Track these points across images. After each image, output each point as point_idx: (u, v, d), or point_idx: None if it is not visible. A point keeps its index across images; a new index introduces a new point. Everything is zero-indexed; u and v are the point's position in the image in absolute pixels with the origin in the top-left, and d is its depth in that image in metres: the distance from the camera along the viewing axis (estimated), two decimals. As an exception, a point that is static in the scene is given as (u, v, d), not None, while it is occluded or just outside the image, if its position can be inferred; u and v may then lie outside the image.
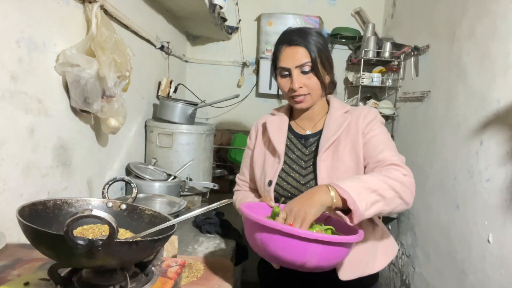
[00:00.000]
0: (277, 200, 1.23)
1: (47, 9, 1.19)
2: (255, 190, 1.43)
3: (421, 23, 2.46)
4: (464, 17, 1.93)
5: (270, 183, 1.26)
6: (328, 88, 1.31)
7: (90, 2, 1.37)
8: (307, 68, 1.19)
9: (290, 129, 1.34)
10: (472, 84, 1.83)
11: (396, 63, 2.71)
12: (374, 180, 1.03)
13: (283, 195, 1.25)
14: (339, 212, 1.05)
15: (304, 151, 1.29)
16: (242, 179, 1.48)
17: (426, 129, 2.29)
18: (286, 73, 1.21)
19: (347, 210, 1.00)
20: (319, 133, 1.28)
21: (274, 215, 1.06)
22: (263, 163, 1.33)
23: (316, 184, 1.20)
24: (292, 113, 1.37)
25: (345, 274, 1.17)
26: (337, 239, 0.93)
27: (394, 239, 1.37)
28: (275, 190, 1.25)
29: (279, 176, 1.26)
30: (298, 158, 1.28)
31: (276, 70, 1.25)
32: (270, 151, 1.32)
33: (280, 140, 1.29)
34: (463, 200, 1.84)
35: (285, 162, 1.28)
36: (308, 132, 1.31)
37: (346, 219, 1.01)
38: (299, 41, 1.18)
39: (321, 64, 1.21)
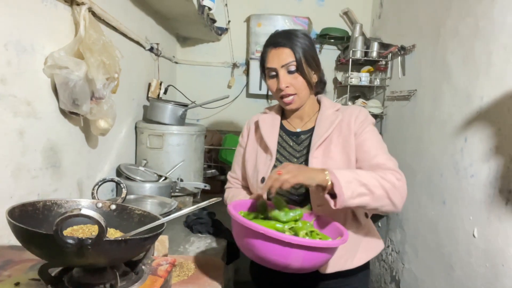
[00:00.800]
0: (269, 198, 1.24)
1: (35, 12, 1.19)
2: (246, 187, 1.46)
3: (407, 23, 2.50)
4: (448, 16, 1.97)
5: (263, 180, 1.28)
6: (316, 87, 1.34)
7: (78, 5, 1.37)
8: (292, 68, 1.23)
9: (282, 127, 1.38)
10: (457, 82, 1.87)
11: (383, 62, 2.75)
12: (368, 176, 1.10)
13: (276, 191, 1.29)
14: (327, 196, 1.09)
15: (296, 147, 1.32)
16: (233, 176, 1.50)
17: (413, 127, 2.33)
18: (273, 73, 1.26)
19: (334, 196, 1.08)
20: (311, 130, 1.32)
21: (260, 208, 1.13)
22: (255, 161, 1.35)
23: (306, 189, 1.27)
24: (283, 112, 1.42)
25: (324, 268, 1.23)
26: (320, 244, 0.95)
27: (381, 237, 1.40)
28: None
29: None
30: (290, 155, 1.31)
31: (265, 71, 1.31)
32: (262, 148, 1.35)
33: (272, 137, 1.32)
34: (449, 196, 1.88)
35: (277, 159, 1.31)
36: (299, 130, 1.35)
37: (331, 201, 1.08)
38: (283, 43, 1.23)
39: (306, 64, 1.25)
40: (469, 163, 1.73)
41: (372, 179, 1.10)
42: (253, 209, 1.19)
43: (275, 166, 1.28)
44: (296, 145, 1.33)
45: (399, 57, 2.54)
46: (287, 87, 1.24)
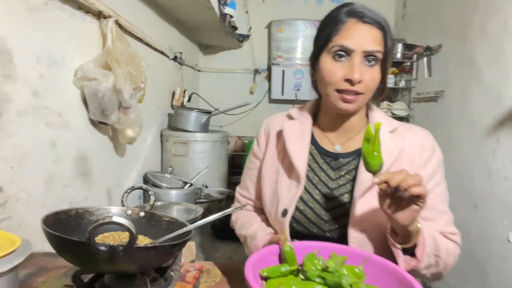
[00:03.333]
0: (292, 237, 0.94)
1: (65, 26, 1.24)
2: (260, 210, 1.10)
3: (432, 23, 2.45)
4: (475, 15, 1.92)
5: (285, 212, 0.94)
6: (382, 93, 0.97)
7: (105, 18, 1.42)
8: (373, 58, 0.86)
9: (313, 140, 1.00)
10: (486, 82, 1.81)
11: (408, 63, 2.70)
12: (443, 248, 0.86)
13: (300, 231, 0.95)
14: (396, 250, 0.83)
15: (330, 174, 0.96)
16: (245, 195, 1.14)
17: (442, 129, 2.27)
18: (344, 54, 0.86)
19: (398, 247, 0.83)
20: (355, 154, 0.96)
21: (288, 258, 0.78)
22: (275, 183, 1.00)
23: (344, 224, 0.91)
24: (317, 117, 1.03)
25: None
26: None
27: None
28: (290, 223, 0.95)
29: (296, 207, 0.95)
30: (322, 183, 0.96)
31: (324, 48, 0.89)
32: (286, 168, 0.98)
33: (301, 156, 0.95)
34: (481, 199, 1.81)
35: (304, 187, 0.96)
36: (338, 149, 0.98)
37: (400, 257, 0.82)
38: (374, 20, 0.86)
39: (390, 60, 0.91)
40: (502, 165, 1.66)
41: (445, 253, 0.86)
42: (278, 259, 0.82)
43: (301, 199, 0.94)
44: (330, 171, 0.96)
45: (425, 57, 2.49)
46: (359, 82, 0.85)
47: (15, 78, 1.01)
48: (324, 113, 1.00)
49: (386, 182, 0.74)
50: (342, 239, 0.90)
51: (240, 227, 1.08)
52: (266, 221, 1.05)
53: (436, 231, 0.89)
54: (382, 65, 0.88)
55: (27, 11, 1.05)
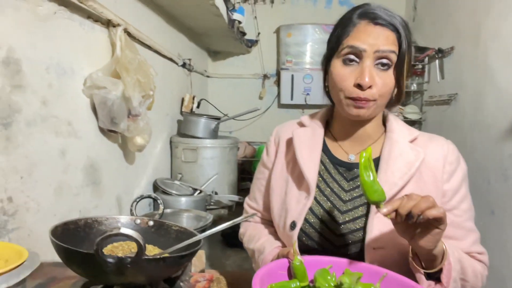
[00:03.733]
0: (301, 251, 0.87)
1: (74, 36, 1.25)
2: (269, 222, 1.05)
3: (444, 25, 2.41)
4: (488, 16, 1.88)
5: (293, 225, 0.88)
6: (398, 100, 0.90)
7: (114, 26, 1.42)
8: (386, 61, 0.79)
9: (325, 149, 0.94)
10: (501, 84, 1.76)
11: (420, 66, 2.66)
12: (470, 271, 0.81)
13: (310, 246, 0.89)
14: (417, 275, 0.77)
15: (343, 185, 0.90)
16: (253, 206, 1.08)
17: (455, 133, 2.23)
18: (353, 57, 0.81)
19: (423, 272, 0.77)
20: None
21: (298, 273, 0.74)
22: (284, 194, 0.94)
23: (358, 239, 0.84)
24: (329, 125, 0.97)
25: None
26: None
27: None
28: (298, 237, 0.88)
29: (305, 218, 0.89)
30: (334, 195, 0.89)
31: (335, 51, 0.84)
32: (295, 178, 0.93)
33: (311, 165, 0.90)
34: (498, 205, 1.76)
35: (315, 198, 0.89)
36: (352, 158, 0.91)
37: (424, 283, 0.76)
38: (387, 21, 0.80)
39: (406, 65, 0.83)
40: (520, 169, 1.62)
41: (472, 276, 0.81)
42: (287, 274, 0.79)
43: (310, 210, 0.88)
44: (344, 182, 0.90)
45: (437, 60, 2.45)
46: (369, 87, 0.79)
47: (24, 88, 1.02)
48: (337, 120, 0.94)
49: (395, 211, 0.67)
50: (356, 256, 0.83)
51: (248, 241, 1.03)
52: (275, 233, 0.99)
53: (462, 250, 0.82)
54: (397, 69, 0.81)
55: (36, 21, 1.06)
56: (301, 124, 0.98)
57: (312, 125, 0.96)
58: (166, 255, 0.79)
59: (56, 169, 1.17)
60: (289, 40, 3.09)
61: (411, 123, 2.76)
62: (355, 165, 0.89)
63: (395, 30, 0.80)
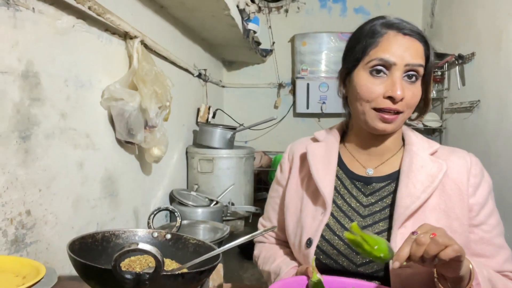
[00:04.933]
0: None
1: (92, 49, 1.25)
2: (284, 242, 1.01)
3: (463, 31, 2.36)
4: (510, 20, 1.83)
5: (309, 242, 0.85)
6: (425, 111, 0.88)
7: (131, 38, 1.43)
8: (414, 73, 0.78)
9: (340, 163, 0.91)
10: (527, 90, 1.70)
11: (439, 73, 2.61)
12: None
13: (327, 264, 0.84)
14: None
15: (362, 200, 0.86)
16: (268, 226, 1.04)
17: (477, 141, 2.16)
18: (383, 69, 0.79)
19: None
20: (389, 178, 0.86)
21: None
22: (299, 211, 0.91)
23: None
24: (344, 139, 0.95)
25: None
26: None
27: None
28: (315, 255, 0.85)
29: (322, 235, 0.85)
30: (352, 210, 0.86)
31: (360, 62, 0.82)
32: (311, 194, 0.90)
33: (327, 180, 0.87)
34: (527, 215, 1.69)
35: (332, 215, 0.86)
36: (370, 172, 0.88)
37: None
38: (415, 33, 0.78)
39: (431, 75, 0.83)
40: (549, 178, 1.54)
41: None
42: None
43: (328, 227, 0.85)
44: (362, 196, 0.86)
45: (457, 66, 2.39)
46: (401, 100, 0.77)
47: (43, 101, 1.02)
48: (355, 134, 0.90)
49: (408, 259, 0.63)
50: (378, 275, 0.80)
51: (263, 263, 0.99)
52: (291, 254, 0.95)
53: (493, 269, 0.78)
54: (424, 81, 0.80)
55: (55, 34, 1.07)
56: (315, 140, 0.95)
57: (326, 139, 0.93)
58: (185, 270, 0.76)
59: (74, 182, 1.17)
60: (304, 49, 3.08)
61: (431, 131, 2.70)
62: (374, 179, 0.86)
63: (423, 41, 0.79)
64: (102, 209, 1.31)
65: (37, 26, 1.00)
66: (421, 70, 0.78)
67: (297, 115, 3.24)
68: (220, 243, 1.51)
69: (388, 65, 0.78)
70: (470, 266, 0.69)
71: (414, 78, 0.78)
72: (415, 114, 0.87)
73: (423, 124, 2.64)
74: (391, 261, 0.65)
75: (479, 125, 2.14)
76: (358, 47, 0.83)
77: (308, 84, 3.08)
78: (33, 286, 0.58)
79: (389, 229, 0.80)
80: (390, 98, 0.77)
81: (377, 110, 0.79)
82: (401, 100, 0.77)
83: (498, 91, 1.95)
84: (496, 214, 0.83)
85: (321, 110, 3.05)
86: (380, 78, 0.79)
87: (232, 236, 1.89)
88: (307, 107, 3.11)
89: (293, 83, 3.24)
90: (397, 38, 0.78)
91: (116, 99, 1.29)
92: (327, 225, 0.85)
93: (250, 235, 0.88)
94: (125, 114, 1.30)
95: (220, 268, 1.22)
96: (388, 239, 0.79)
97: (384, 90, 0.77)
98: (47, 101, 1.04)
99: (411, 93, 0.78)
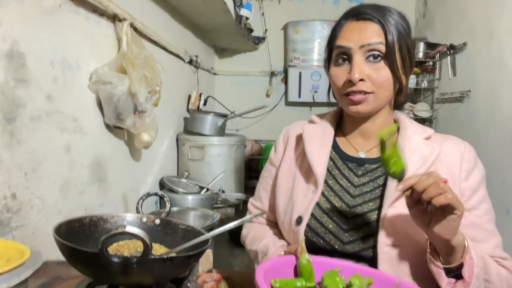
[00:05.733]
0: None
1: (79, 30, 1.22)
2: (274, 223, 1.02)
3: (456, 21, 2.36)
4: (503, 10, 1.83)
5: (299, 220, 0.86)
6: (403, 95, 0.89)
7: (120, 21, 1.40)
8: (377, 53, 0.80)
9: (335, 146, 0.93)
10: (517, 80, 1.71)
11: (431, 63, 2.61)
12: (494, 273, 0.76)
13: (315, 242, 0.85)
14: (438, 270, 0.74)
15: (353, 180, 0.88)
16: (258, 206, 1.05)
17: (468, 131, 2.18)
18: (344, 56, 0.83)
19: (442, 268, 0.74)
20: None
21: (304, 272, 0.71)
22: (290, 190, 0.92)
23: (367, 234, 0.82)
24: (340, 124, 0.97)
25: None
26: None
27: None
28: (304, 234, 0.86)
29: (312, 214, 0.86)
30: (343, 190, 0.88)
31: (331, 54, 0.87)
32: (303, 173, 0.92)
33: (320, 159, 0.89)
34: (513, 205, 1.72)
35: (323, 194, 0.87)
36: (362, 155, 0.90)
37: (443, 279, 0.73)
38: (372, 15, 0.81)
39: (399, 54, 0.82)
40: (536, 168, 1.57)
41: (496, 278, 0.76)
42: (293, 272, 0.75)
43: (318, 206, 0.86)
44: (353, 177, 0.88)
45: (449, 56, 2.39)
46: (361, 79, 0.80)
47: (29, 82, 0.99)
48: (346, 119, 0.94)
49: (411, 189, 0.67)
50: (366, 255, 0.81)
51: (250, 242, 0.99)
52: (279, 234, 0.97)
53: (487, 250, 0.78)
54: (388, 58, 0.81)
55: (40, 14, 1.04)
56: (312, 122, 0.98)
57: (322, 123, 0.96)
58: (174, 254, 0.76)
59: (61, 166, 1.14)
60: (296, 37, 3.05)
61: (422, 121, 2.71)
62: (367, 161, 0.88)
63: (379, 21, 0.81)
64: (91, 194, 1.29)
65: (22, 5, 0.96)
66: (382, 48, 0.80)
67: (289, 103, 3.23)
68: (210, 229, 1.51)
69: (346, 52, 0.82)
70: (465, 240, 0.71)
71: (379, 58, 0.81)
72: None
73: (414, 114, 2.65)
74: (396, 183, 0.69)
75: (469, 115, 2.16)
76: (328, 42, 0.89)
77: (300, 73, 3.07)
78: (18, 269, 0.57)
79: (379, 208, 0.82)
80: (350, 82, 0.81)
81: (346, 95, 0.83)
82: (363, 80, 0.80)
83: (488, 81, 1.96)
84: (488, 201, 0.84)
85: (313, 99, 3.04)
86: (344, 66, 0.83)
87: (222, 223, 1.89)
88: (299, 96, 3.09)
89: (285, 71, 3.22)
90: (352, 25, 0.83)
91: (104, 82, 1.26)
92: (317, 203, 0.86)
93: (240, 220, 0.87)
94: (113, 98, 1.27)
95: (209, 253, 1.22)
96: (378, 218, 0.81)
97: (346, 76, 0.82)
98: (33, 83, 1.01)
99: (376, 72, 0.80)
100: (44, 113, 1.06)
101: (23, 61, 0.97)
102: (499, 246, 0.83)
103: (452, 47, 2.31)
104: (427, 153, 0.82)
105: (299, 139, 0.96)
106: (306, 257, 0.71)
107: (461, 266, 0.72)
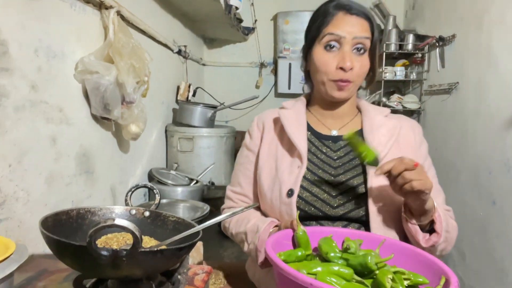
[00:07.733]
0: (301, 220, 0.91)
1: (64, 17, 1.18)
2: (257, 207, 1.07)
3: (445, 12, 2.37)
4: (492, 3, 1.84)
5: (290, 193, 0.93)
6: (372, 81, 1.04)
7: (106, 9, 1.36)
8: (362, 46, 0.93)
9: (309, 127, 1.03)
10: (505, 73, 1.73)
11: (420, 55, 2.62)
12: (450, 224, 0.90)
13: (307, 211, 0.94)
14: (415, 228, 0.87)
15: (331, 155, 0.99)
16: (237, 191, 1.09)
17: (456, 123, 2.20)
18: (335, 43, 0.92)
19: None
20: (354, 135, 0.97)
21: (302, 243, 0.78)
22: (274, 169, 0.99)
23: (355, 195, 0.93)
24: (309, 107, 1.08)
25: None
26: None
27: None
28: (296, 204, 0.93)
29: (301, 185, 0.94)
30: (324, 163, 0.98)
31: (316, 39, 0.96)
32: (286, 150, 1.00)
33: (300, 136, 0.98)
34: (500, 195, 1.74)
35: (307, 168, 0.96)
36: (335, 133, 1.02)
37: (419, 235, 0.86)
38: (361, 12, 0.93)
39: (377, 48, 0.98)
40: (522, 159, 1.59)
41: (452, 229, 0.90)
42: (291, 244, 0.82)
43: (305, 178, 0.95)
44: (331, 153, 0.99)
45: (437, 48, 2.40)
46: (351, 69, 0.91)
47: (12, 71, 0.96)
48: (317, 102, 1.04)
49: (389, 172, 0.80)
50: (353, 215, 0.92)
51: (236, 226, 1.04)
52: (263, 216, 1.03)
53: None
54: (371, 53, 0.95)
55: (24, 0, 1.00)
56: (283, 108, 1.07)
57: (294, 107, 1.06)
58: (164, 247, 0.74)
59: (47, 157, 1.12)
60: (286, 28, 3.03)
61: (410, 112, 2.73)
62: (340, 138, 1.01)
63: (368, 19, 0.94)
64: (78, 186, 1.27)
65: (3, -11, 0.93)
66: (368, 43, 0.93)
67: (278, 95, 3.22)
68: (200, 221, 1.50)
69: (338, 39, 0.92)
70: (434, 203, 0.85)
71: (362, 51, 0.93)
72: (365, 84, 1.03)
73: (402, 105, 2.67)
74: (374, 170, 0.82)
75: (458, 106, 2.18)
76: (314, 26, 0.97)
77: (290, 64, 3.05)
78: (2, 263, 0.55)
79: (364, 174, 0.94)
80: (342, 69, 0.91)
81: (334, 81, 0.93)
82: (351, 69, 0.91)
83: (477, 73, 1.97)
84: (433, 168, 1.01)
85: (303, 90, 3.02)
86: (333, 52, 0.93)
87: (212, 215, 1.88)
88: (289, 88, 3.08)
89: (275, 62, 3.20)
90: (345, 17, 0.93)
91: (91, 72, 1.23)
92: (304, 176, 0.95)
93: (230, 212, 0.87)
94: (100, 88, 1.24)
95: (200, 245, 1.21)
96: (365, 180, 0.93)
97: (336, 62, 0.92)
98: (16, 71, 0.97)
99: (360, 64, 0.92)
100: (28, 103, 1.03)
101: (6, 49, 0.93)
102: (444, 201, 0.99)
103: (441, 39, 2.32)
104: (391, 126, 0.98)
105: (276, 122, 1.05)
106: (302, 229, 0.79)
107: (431, 222, 0.86)
